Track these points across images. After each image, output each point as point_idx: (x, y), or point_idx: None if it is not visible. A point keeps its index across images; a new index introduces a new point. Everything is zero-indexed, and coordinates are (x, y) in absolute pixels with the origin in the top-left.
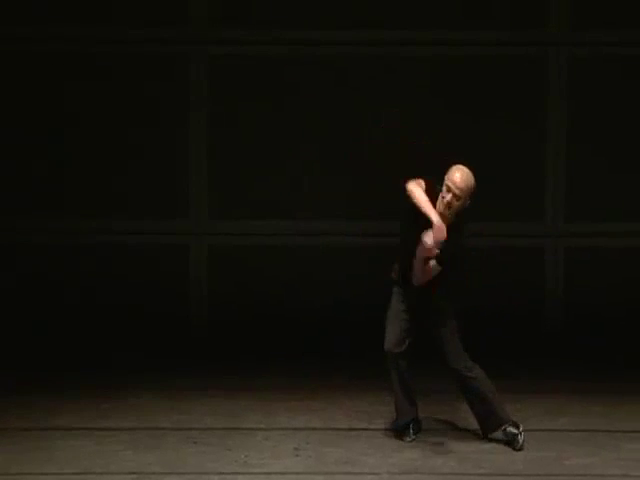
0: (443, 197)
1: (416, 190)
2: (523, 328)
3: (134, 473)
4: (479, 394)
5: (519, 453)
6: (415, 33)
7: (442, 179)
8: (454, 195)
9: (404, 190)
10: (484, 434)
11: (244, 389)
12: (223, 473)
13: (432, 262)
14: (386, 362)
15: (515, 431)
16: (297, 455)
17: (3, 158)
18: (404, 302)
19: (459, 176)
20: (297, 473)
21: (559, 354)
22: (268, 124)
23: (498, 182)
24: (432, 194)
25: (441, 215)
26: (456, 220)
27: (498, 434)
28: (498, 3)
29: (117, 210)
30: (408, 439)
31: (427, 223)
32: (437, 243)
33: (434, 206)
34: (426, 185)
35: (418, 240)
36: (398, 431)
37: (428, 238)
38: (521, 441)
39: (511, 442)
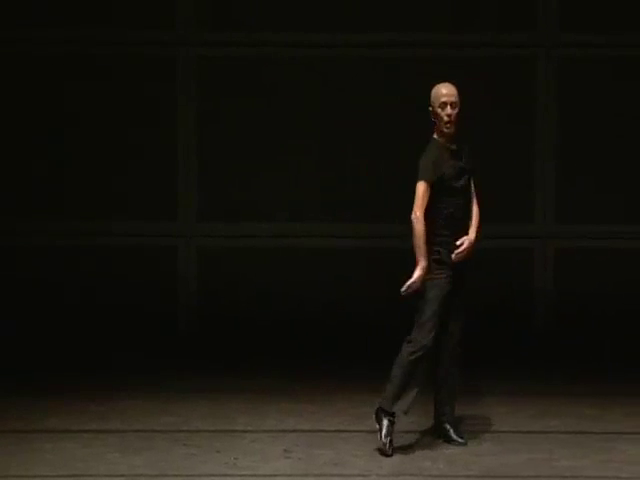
0: (444, 118)
1: (417, 228)
2: (513, 329)
3: (123, 476)
4: (457, 382)
5: (509, 455)
6: (401, 35)
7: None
8: (452, 105)
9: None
10: (442, 419)
11: (233, 391)
12: (213, 475)
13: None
14: (416, 358)
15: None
16: (287, 457)
17: (2, 160)
18: (445, 290)
19: (445, 88)
20: (287, 475)
21: (549, 355)
22: (256, 126)
23: (488, 184)
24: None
25: (448, 135)
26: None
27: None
28: (487, 5)
29: (104, 212)
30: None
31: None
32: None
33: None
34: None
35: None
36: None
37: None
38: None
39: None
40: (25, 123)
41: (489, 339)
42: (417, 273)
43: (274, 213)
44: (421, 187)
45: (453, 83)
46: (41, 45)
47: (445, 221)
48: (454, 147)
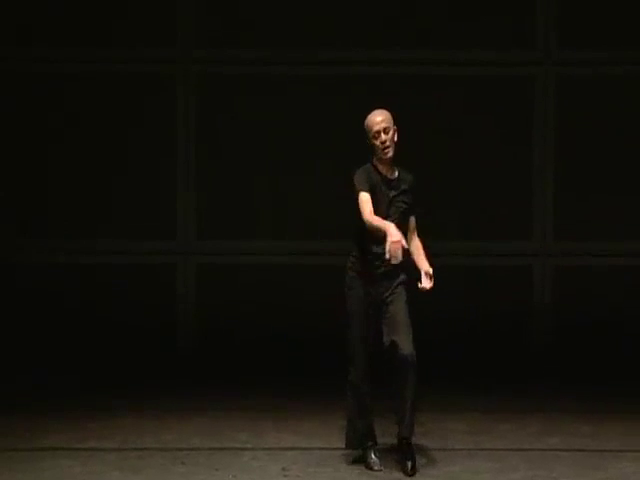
0: (380, 146)
1: (369, 225)
2: (511, 347)
3: None
4: (415, 389)
5: (509, 472)
6: (402, 52)
7: None
8: (385, 130)
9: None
10: (405, 436)
11: (231, 409)
12: None
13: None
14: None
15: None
16: (285, 475)
17: (3, 177)
18: (365, 311)
19: (375, 116)
20: None
21: (548, 373)
22: (256, 143)
23: (486, 201)
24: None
25: (388, 160)
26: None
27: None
28: (485, 23)
29: (104, 229)
30: (376, 467)
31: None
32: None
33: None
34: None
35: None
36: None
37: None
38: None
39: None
40: (25, 140)
41: (488, 356)
42: (390, 234)
43: (273, 231)
44: (362, 197)
45: (386, 107)
46: (40, 63)
47: (371, 241)
48: (392, 177)
